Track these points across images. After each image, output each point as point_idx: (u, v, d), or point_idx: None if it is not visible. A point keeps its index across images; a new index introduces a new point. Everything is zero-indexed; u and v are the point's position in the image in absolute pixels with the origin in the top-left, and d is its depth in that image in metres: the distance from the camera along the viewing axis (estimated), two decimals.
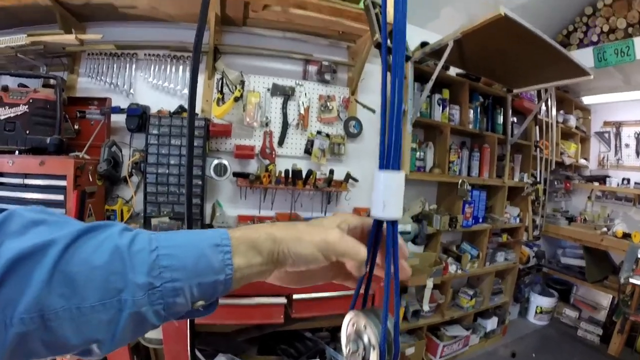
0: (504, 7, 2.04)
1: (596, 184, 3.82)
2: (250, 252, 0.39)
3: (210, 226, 2.25)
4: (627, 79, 3.55)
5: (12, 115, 1.92)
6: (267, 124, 2.31)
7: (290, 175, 2.23)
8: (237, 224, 2.32)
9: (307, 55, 2.33)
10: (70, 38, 2.20)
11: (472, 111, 2.71)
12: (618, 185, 3.72)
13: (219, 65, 2.28)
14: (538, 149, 3.23)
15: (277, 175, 2.24)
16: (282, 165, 2.28)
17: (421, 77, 2.47)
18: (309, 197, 2.42)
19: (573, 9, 3.39)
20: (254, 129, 2.30)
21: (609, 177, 3.82)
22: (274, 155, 2.30)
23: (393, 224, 0.40)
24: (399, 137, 0.40)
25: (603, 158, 4.02)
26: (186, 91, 2.35)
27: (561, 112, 3.59)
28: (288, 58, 2.33)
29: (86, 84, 2.38)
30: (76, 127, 2.27)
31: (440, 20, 2.65)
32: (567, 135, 3.76)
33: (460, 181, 2.53)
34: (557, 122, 3.43)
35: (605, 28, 3.30)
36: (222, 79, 2.28)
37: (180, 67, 2.35)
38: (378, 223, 0.42)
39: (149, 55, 2.36)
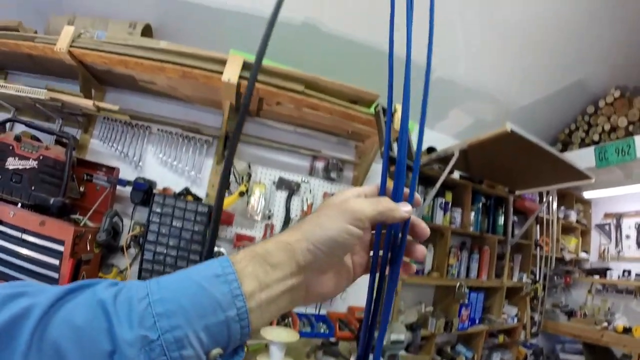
0: (510, 123, 2.09)
1: (596, 277, 3.76)
2: (261, 268, 0.33)
3: None
4: (628, 173, 3.59)
5: (20, 167, 1.93)
6: (269, 217, 2.32)
7: None
8: None
9: (316, 151, 2.39)
10: (88, 103, 2.25)
11: (473, 213, 2.73)
12: (619, 277, 3.67)
13: None
14: (538, 247, 3.22)
15: None
16: None
17: (424, 180, 2.51)
18: None
19: (576, 108, 3.50)
20: (255, 221, 2.31)
21: (609, 269, 3.78)
22: None
23: None
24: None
25: (604, 250, 4.00)
26: (193, 173, 2.39)
27: (562, 208, 3.61)
28: (296, 152, 2.38)
29: (98, 147, 2.42)
30: (82, 189, 2.28)
31: (448, 121, 2.74)
32: (567, 229, 3.76)
33: (457, 284, 2.50)
34: (558, 218, 3.44)
35: (607, 127, 3.36)
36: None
37: (191, 148, 2.40)
38: None
39: (162, 131, 2.41)
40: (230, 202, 2.23)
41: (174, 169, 2.40)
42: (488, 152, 2.35)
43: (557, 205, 3.45)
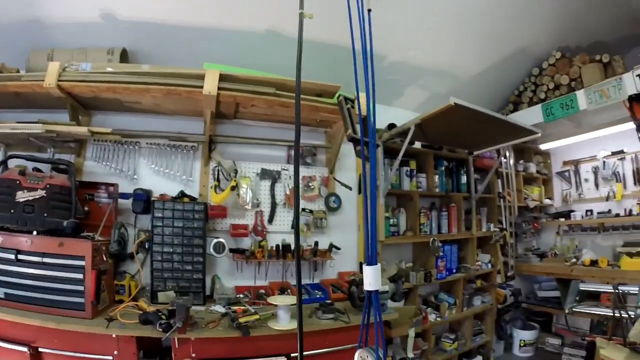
0: (454, 97, 2.40)
1: (562, 219, 4.15)
2: None
3: (211, 297, 2.50)
4: (578, 123, 3.97)
5: (30, 198, 2.08)
6: (258, 205, 2.64)
7: (280, 249, 2.54)
8: (236, 294, 2.57)
9: (291, 141, 2.70)
10: (82, 130, 2.49)
11: (437, 176, 3.08)
12: (582, 217, 4.03)
13: (215, 155, 2.62)
14: (502, 199, 3.60)
15: (269, 249, 2.54)
16: (273, 241, 2.59)
17: (390, 152, 2.84)
18: None
19: (522, 71, 3.83)
20: (246, 210, 2.61)
21: (573, 211, 4.15)
22: (265, 232, 2.62)
23: (376, 292, 0.85)
24: (374, 251, 0.75)
25: (566, 195, 4.38)
26: (184, 177, 2.66)
27: (521, 161, 3.99)
28: (274, 145, 2.69)
29: (92, 168, 2.63)
30: (86, 208, 2.51)
31: (404, 98, 3.06)
32: (530, 180, 4.15)
33: (431, 240, 2.86)
34: (518, 171, 3.82)
35: (551, 85, 3.69)
36: (217, 167, 2.62)
37: (179, 155, 2.67)
38: (368, 292, 0.87)
39: (151, 144, 2.67)
40: (223, 197, 2.53)
41: (166, 176, 2.66)
42: (442, 123, 2.67)
43: (517, 159, 3.82)
